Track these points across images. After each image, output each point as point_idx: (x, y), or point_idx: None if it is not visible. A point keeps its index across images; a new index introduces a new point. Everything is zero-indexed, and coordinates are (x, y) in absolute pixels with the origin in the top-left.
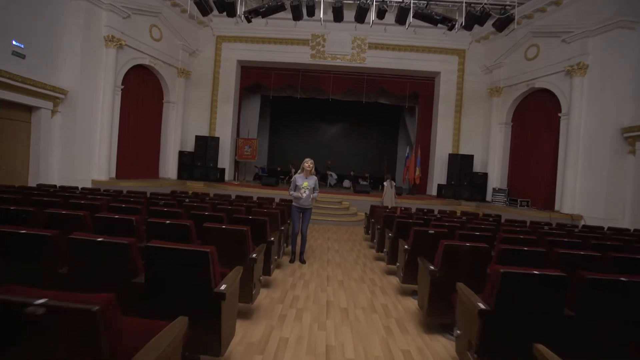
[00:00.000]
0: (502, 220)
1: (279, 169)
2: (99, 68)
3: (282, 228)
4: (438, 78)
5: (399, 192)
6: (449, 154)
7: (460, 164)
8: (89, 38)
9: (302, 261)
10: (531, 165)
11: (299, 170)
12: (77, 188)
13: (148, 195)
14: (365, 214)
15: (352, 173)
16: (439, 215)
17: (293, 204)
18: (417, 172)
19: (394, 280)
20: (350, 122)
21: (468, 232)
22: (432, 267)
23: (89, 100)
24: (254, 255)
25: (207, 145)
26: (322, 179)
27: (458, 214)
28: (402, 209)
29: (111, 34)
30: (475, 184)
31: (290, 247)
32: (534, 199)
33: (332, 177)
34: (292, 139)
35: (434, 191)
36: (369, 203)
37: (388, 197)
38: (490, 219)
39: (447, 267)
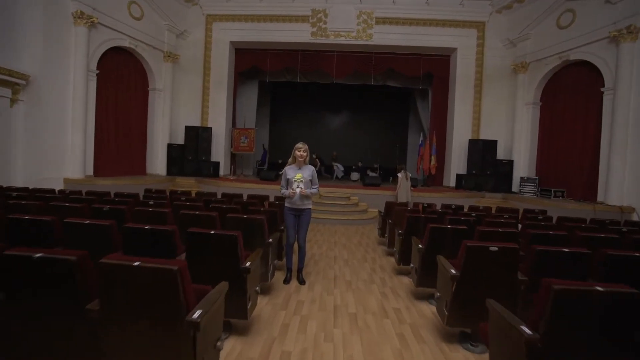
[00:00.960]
0: (541, 216)
1: (280, 161)
2: (68, 50)
3: (270, 240)
4: (454, 55)
5: (413, 185)
6: (469, 140)
7: (482, 150)
8: (53, 14)
9: (301, 281)
10: (565, 150)
11: (290, 160)
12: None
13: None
14: (379, 212)
15: (359, 164)
16: (474, 215)
17: (286, 204)
18: (433, 162)
19: (427, 308)
20: (356, 108)
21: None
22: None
23: (56, 87)
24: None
25: (198, 136)
26: (328, 171)
27: (494, 212)
28: (424, 205)
29: (80, 9)
30: (500, 173)
31: (285, 261)
32: (569, 189)
33: (339, 168)
34: (294, 129)
35: (452, 182)
36: (380, 197)
37: (403, 190)
38: (540, 217)
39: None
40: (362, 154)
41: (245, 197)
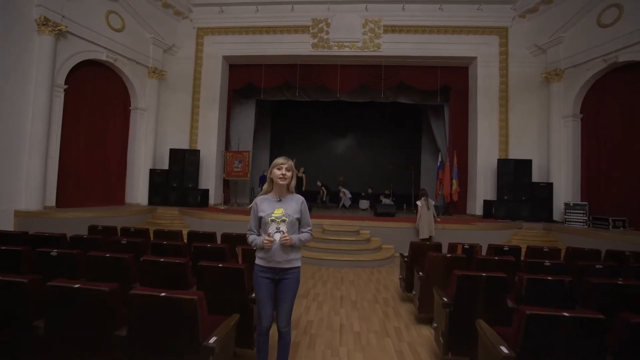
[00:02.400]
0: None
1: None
2: (29, 60)
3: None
4: (474, 65)
5: (437, 213)
6: (498, 160)
7: (513, 172)
8: (11, 19)
9: None
10: (622, 169)
11: (264, 187)
12: None
13: None
14: (402, 256)
15: (370, 191)
16: (547, 263)
17: (257, 261)
18: (455, 186)
19: None
20: (364, 129)
21: None
22: None
23: (10, 102)
24: None
25: (185, 160)
26: (332, 199)
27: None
28: (465, 247)
29: (45, 16)
30: (537, 199)
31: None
32: (632, 217)
33: (346, 196)
34: (297, 152)
35: (477, 209)
36: (396, 231)
37: (424, 221)
38: None
39: None
40: (372, 180)
41: (219, 238)
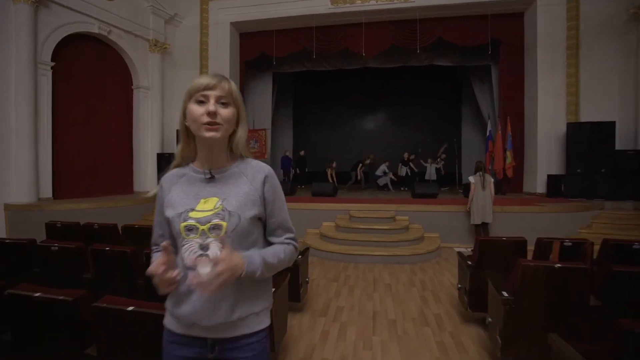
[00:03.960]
0: None
1: (306, 169)
2: (6, 34)
3: None
4: (532, 10)
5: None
6: (568, 125)
7: (589, 139)
8: None
9: None
10: None
11: (177, 147)
12: None
13: None
14: (461, 257)
15: (408, 157)
16: None
17: (166, 320)
18: (509, 160)
19: None
20: (396, 99)
21: None
22: None
23: None
24: None
25: None
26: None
27: None
28: (564, 244)
29: None
30: (622, 172)
31: None
32: None
33: (385, 175)
34: (321, 131)
35: (539, 187)
36: (441, 216)
37: (478, 204)
38: None
39: None
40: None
41: None
